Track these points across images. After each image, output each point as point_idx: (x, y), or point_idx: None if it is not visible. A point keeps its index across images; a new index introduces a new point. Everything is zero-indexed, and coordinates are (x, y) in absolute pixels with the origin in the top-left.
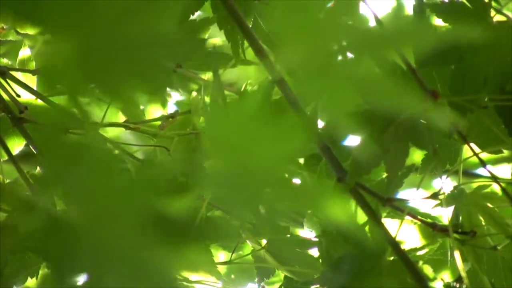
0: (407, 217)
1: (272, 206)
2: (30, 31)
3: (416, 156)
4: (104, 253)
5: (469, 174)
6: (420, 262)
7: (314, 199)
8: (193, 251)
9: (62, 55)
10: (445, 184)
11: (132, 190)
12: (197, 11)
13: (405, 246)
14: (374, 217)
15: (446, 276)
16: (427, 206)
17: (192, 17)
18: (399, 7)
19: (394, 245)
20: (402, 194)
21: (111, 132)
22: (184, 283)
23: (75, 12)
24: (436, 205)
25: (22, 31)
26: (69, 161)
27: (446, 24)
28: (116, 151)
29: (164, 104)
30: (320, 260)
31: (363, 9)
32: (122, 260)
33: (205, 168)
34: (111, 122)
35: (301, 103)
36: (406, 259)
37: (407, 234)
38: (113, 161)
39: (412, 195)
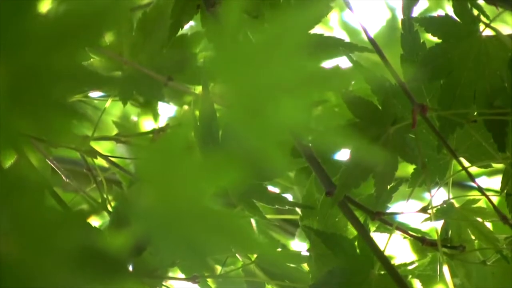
0: (398, 233)
1: (198, 241)
2: None
3: (411, 168)
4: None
5: (463, 185)
6: (409, 277)
7: (253, 243)
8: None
9: None
10: (435, 198)
11: (61, 225)
12: (185, 25)
13: (396, 261)
14: (363, 231)
15: None
16: (417, 220)
17: (184, 32)
18: (393, 20)
19: (383, 259)
20: (393, 207)
21: (104, 145)
22: None
23: (2, 39)
24: (426, 220)
25: None
26: (4, 193)
27: (436, 39)
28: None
29: (156, 117)
30: (310, 275)
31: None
32: None
33: (137, 204)
34: (102, 136)
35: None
36: (394, 274)
37: (399, 248)
38: (41, 196)
39: (401, 209)
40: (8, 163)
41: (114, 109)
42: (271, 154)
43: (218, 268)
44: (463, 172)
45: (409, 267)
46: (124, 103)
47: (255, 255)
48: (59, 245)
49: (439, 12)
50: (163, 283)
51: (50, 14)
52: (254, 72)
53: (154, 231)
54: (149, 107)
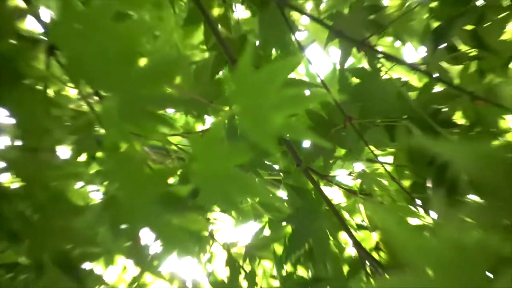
0: (336, 186)
1: (227, 191)
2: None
3: (343, 151)
4: (137, 216)
5: (372, 161)
6: (341, 210)
7: (258, 192)
8: (191, 216)
9: (110, 105)
10: (356, 167)
11: (152, 181)
12: (220, 71)
13: (335, 201)
14: (317, 186)
15: (358, 218)
16: (347, 180)
17: (219, 76)
18: (335, 69)
19: (327, 201)
20: (334, 173)
21: (175, 138)
22: (210, 219)
23: (118, 77)
24: (352, 179)
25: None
26: (120, 164)
27: (357, 80)
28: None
29: (203, 123)
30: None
31: (312, 69)
32: (147, 220)
33: (192, 171)
34: (174, 133)
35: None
36: (333, 208)
37: (336, 195)
38: (141, 165)
39: (338, 173)
40: (123, 148)
41: (181, 118)
42: (267, 144)
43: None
44: (371, 153)
45: (342, 205)
46: (186, 115)
47: (257, 199)
48: (151, 192)
49: (360, 65)
50: (208, 214)
51: (147, 64)
52: (257, 97)
53: (202, 185)
54: (200, 117)
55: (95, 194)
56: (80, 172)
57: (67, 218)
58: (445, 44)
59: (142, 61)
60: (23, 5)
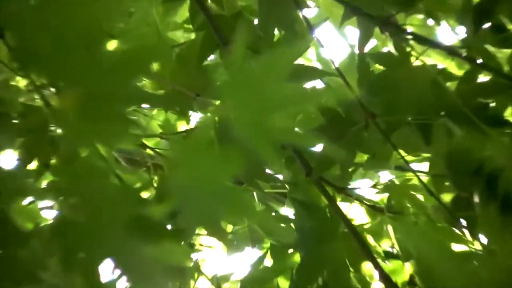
0: (356, 202)
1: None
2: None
3: (365, 157)
4: (98, 243)
5: (402, 169)
6: (364, 233)
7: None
8: (167, 243)
9: (69, 100)
10: (382, 177)
11: (118, 198)
12: (208, 57)
13: (355, 222)
14: (331, 201)
15: (387, 244)
16: (370, 193)
17: (207, 62)
18: (353, 53)
19: (345, 221)
20: (353, 184)
21: (151, 141)
22: (201, 247)
23: (81, 65)
24: (377, 193)
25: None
26: (79, 174)
27: (381, 67)
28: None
29: (188, 121)
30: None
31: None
32: (110, 249)
33: (172, 183)
34: (150, 134)
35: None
36: (353, 231)
37: (357, 213)
38: (106, 177)
39: (359, 185)
40: (84, 154)
41: (159, 115)
42: (266, 149)
43: (230, 227)
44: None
45: (365, 227)
46: (166, 112)
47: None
48: (118, 211)
49: (384, 49)
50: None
51: (116, 50)
52: (255, 90)
53: (184, 202)
54: (183, 114)
55: (47, 212)
56: (29, 185)
57: (9, 247)
58: (490, 23)
59: (112, 44)
60: None
